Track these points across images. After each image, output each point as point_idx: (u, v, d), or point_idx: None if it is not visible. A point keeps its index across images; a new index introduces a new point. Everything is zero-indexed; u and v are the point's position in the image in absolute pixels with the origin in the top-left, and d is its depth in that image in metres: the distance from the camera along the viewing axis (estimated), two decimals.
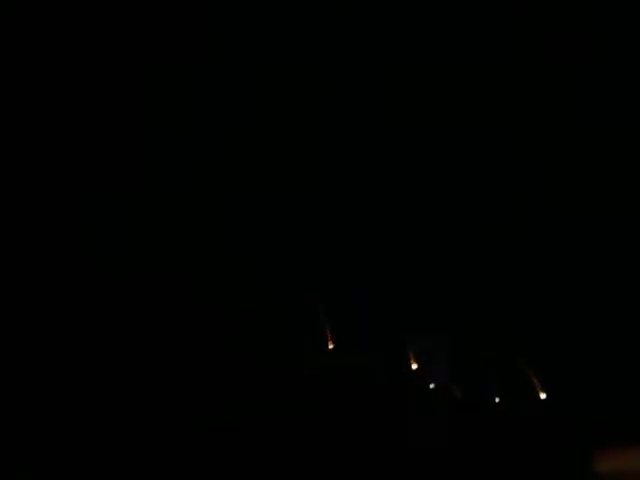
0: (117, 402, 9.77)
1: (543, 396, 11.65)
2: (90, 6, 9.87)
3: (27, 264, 9.84)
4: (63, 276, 9.93)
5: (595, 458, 9.99)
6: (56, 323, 9.89)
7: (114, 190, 9.95)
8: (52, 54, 9.80)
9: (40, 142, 9.78)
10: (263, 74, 9.65)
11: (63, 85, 9.79)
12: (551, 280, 10.20)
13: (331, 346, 10.64)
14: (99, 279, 10.09)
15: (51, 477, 9.23)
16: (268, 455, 10.26)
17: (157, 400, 9.96)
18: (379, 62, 9.67)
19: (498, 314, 10.30)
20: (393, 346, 10.69)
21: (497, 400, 11.80)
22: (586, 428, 9.95)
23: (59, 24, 9.64)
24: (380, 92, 9.65)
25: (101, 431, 9.60)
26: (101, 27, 9.83)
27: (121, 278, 10.19)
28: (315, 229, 9.85)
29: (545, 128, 9.80)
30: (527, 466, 9.96)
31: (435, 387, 10.74)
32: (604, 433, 10.02)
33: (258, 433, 10.11)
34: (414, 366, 10.45)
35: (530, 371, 11.60)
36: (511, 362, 12.46)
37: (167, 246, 10.23)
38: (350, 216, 9.54)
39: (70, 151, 9.83)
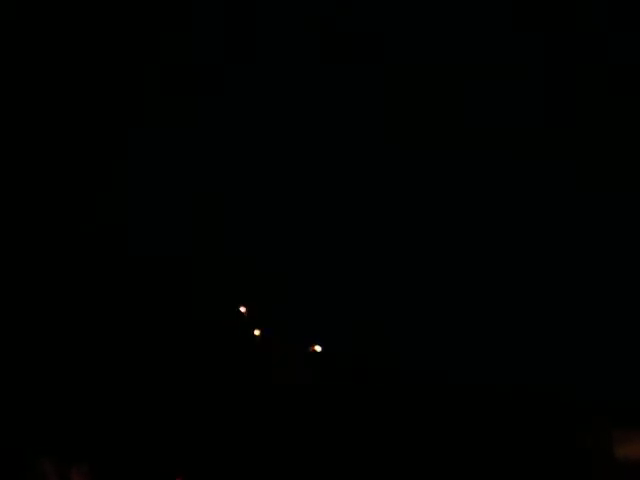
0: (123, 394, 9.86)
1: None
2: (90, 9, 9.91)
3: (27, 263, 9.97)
4: (60, 276, 10.04)
5: (615, 442, 9.89)
6: (56, 323, 10.02)
7: (112, 190, 10.01)
8: (58, 53, 9.87)
9: (39, 143, 9.87)
10: (261, 76, 9.69)
11: (63, 84, 9.88)
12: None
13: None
14: (99, 278, 10.19)
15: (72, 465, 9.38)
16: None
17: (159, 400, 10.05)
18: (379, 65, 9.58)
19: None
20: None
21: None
22: (605, 411, 9.86)
23: (68, 21, 9.72)
24: (380, 95, 9.59)
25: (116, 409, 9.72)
26: (98, 33, 9.89)
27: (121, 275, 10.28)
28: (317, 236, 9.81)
29: (547, 131, 9.79)
30: (544, 451, 9.90)
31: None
32: (624, 416, 9.94)
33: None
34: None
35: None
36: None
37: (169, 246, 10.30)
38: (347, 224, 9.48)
39: (68, 149, 9.91)
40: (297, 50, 9.76)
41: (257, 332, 10.07)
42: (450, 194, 9.80)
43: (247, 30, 9.74)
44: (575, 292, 9.66)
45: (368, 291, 9.88)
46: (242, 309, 10.01)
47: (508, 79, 10.00)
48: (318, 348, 10.15)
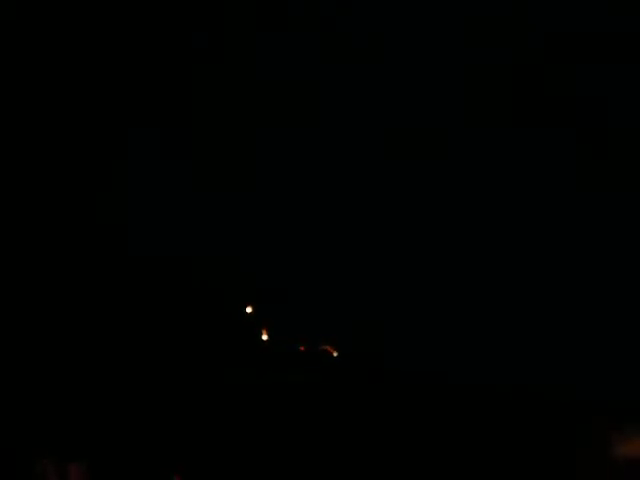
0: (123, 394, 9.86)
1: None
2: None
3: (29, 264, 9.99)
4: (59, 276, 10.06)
5: (614, 442, 9.83)
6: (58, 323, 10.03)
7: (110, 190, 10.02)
8: (57, 53, 9.89)
9: (38, 142, 9.89)
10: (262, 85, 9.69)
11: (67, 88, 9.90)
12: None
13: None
14: (98, 278, 10.21)
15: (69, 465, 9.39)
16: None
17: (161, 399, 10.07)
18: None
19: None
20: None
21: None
22: (604, 411, 9.80)
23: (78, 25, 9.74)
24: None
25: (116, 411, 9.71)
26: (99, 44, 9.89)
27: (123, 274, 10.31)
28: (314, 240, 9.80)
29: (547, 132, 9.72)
30: (543, 450, 9.85)
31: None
32: (624, 416, 9.87)
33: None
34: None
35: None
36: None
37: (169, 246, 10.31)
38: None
39: (68, 149, 9.93)
40: (297, 50, 9.78)
41: (264, 334, 10.09)
42: (450, 195, 9.83)
43: (246, 29, 9.76)
44: (575, 292, 9.67)
45: (368, 291, 9.90)
46: (248, 309, 10.01)
47: (509, 78, 10.01)
48: (335, 353, 10.17)
